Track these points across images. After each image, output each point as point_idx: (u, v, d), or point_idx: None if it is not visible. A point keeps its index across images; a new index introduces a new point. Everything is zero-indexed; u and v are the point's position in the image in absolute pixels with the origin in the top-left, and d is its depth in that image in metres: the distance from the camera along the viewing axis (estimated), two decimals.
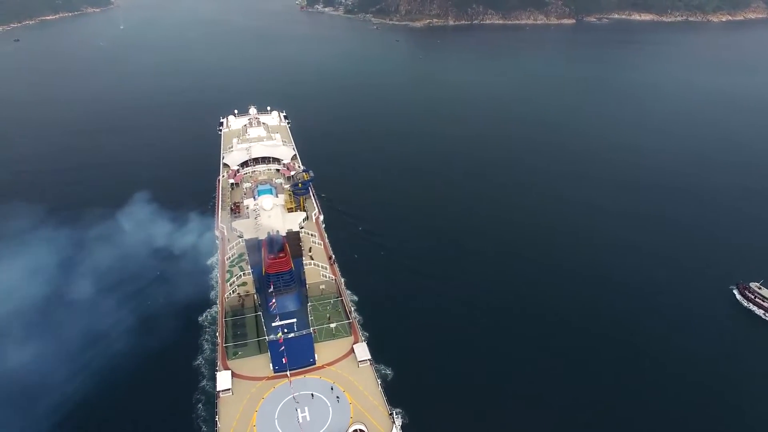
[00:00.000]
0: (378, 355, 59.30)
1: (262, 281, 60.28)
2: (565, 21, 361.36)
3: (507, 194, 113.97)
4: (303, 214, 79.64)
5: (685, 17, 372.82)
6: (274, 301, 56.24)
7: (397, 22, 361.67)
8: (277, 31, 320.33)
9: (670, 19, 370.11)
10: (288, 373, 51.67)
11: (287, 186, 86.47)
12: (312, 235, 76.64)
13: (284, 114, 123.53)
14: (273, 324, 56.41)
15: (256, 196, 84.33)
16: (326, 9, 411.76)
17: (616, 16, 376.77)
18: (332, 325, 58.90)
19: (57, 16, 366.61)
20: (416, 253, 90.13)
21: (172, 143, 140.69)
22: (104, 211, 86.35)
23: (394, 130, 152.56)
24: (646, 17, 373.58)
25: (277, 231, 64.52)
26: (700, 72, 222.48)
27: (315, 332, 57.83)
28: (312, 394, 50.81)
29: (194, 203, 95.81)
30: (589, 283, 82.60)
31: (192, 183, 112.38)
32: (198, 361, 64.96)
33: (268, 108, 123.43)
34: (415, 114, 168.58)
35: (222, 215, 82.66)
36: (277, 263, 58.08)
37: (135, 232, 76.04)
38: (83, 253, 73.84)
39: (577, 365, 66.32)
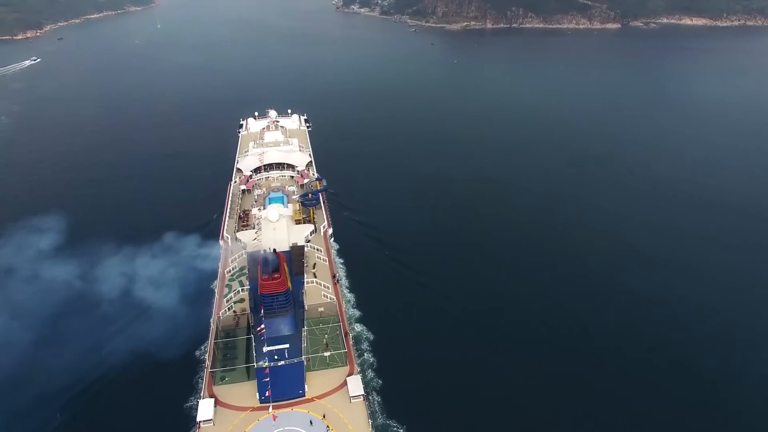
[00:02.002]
0: (380, 391, 55.64)
1: (257, 300, 56.81)
2: (610, 25, 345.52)
3: (548, 210, 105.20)
4: (310, 227, 75.84)
5: (742, 21, 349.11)
6: (262, 326, 52.49)
7: (433, 24, 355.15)
8: (311, 32, 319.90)
9: (725, 24, 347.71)
10: (270, 407, 47.65)
11: (296, 197, 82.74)
12: (318, 250, 72.60)
13: (305, 117, 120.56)
14: (264, 349, 52.77)
15: (267, 205, 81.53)
16: (362, 10, 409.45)
17: (665, 20, 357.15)
18: (326, 354, 54.54)
19: (101, 14, 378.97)
20: (446, 290, 79.71)
21: (194, 145, 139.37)
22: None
23: (421, 139, 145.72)
24: (699, 21, 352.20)
25: (274, 249, 60.81)
26: (764, 83, 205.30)
27: (308, 361, 53.75)
28: None
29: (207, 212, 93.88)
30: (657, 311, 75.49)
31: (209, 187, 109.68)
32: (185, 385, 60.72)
33: (289, 111, 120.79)
34: (447, 123, 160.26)
35: (228, 224, 79.89)
36: (271, 285, 54.41)
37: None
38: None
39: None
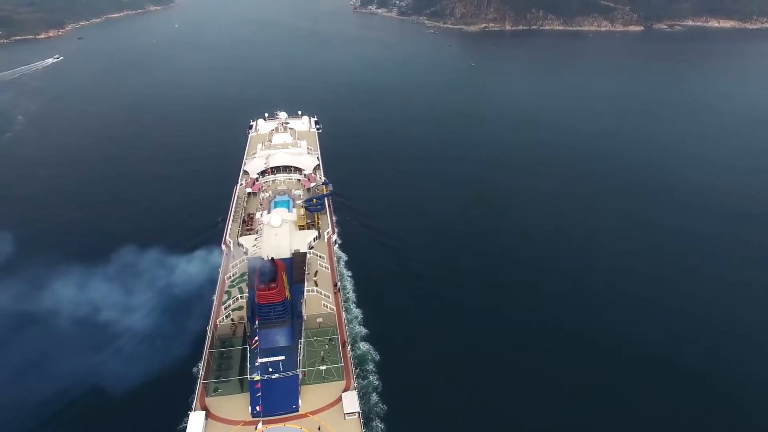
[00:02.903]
0: (384, 418, 53.39)
1: (254, 309, 55.21)
2: (632, 28, 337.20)
3: (569, 225, 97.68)
4: (314, 233, 74.12)
5: None
6: (256, 338, 50.82)
7: (451, 26, 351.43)
8: (328, 33, 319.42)
9: (755, 26, 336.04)
10: (260, 422, 45.86)
11: (300, 201, 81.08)
12: (321, 257, 70.80)
13: (315, 119, 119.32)
14: (259, 360, 51.16)
15: (272, 208, 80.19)
16: (379, 10, 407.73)
17: (691, 23, 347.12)
18: (322, 368, 52.56)
19: (122, 14, 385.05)
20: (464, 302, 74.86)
21: (206, 145, 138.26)
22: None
23: (436, 143, 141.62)
24: (727, 24, 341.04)
25: (272, 258, 59.12)
26: None
27: (304, 375, 51.92)
28: None
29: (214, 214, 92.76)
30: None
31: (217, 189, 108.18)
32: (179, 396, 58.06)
33: (299, 112, 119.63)
34: (463, 126, 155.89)
35: (232, 228, 78.66)
36: (268, 295, 52.73)
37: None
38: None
39: None
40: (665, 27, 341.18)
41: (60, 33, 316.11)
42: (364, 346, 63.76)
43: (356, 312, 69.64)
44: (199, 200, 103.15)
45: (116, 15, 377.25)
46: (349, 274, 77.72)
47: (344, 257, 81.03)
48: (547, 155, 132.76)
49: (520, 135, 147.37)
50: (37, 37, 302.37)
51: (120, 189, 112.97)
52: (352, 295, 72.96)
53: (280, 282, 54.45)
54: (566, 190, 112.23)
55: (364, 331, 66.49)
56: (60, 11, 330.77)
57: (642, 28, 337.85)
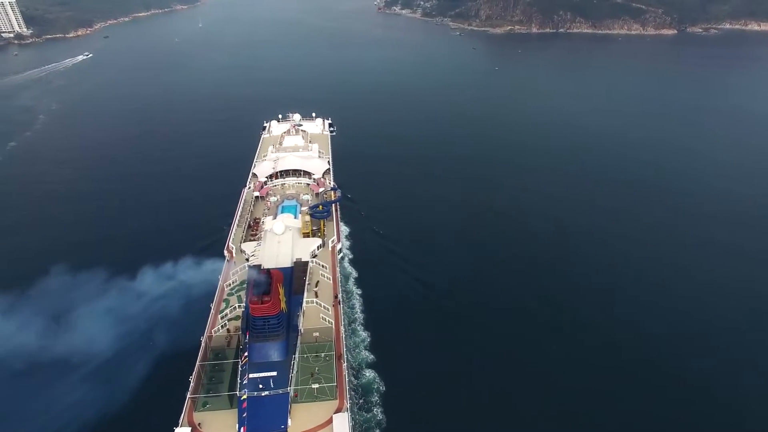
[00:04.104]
0: None
1: (249, 321, 53.07)
2: (665, 32, 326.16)
3: (597, 244, 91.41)
4: (318, 242, 71.46)
5: None
6: (246, 354, 48.59)
7: (476, 28, 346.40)
8: (351, 34, 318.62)
9: None
10: None
11: (305, 208, 78.74)
12: (323, 266, 68.13)
13: (329, 122, 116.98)
14: (249, 375, 48.95)
15: (279, 213, 78.19)
16: (403, 11, 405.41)
17: (728, 26, 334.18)
18: (314, 386, 49.92)
19: (149, 13, 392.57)
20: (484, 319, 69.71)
21: (221, 146, 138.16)
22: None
23: (454, 148, 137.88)
24: None
25: (267, 270, 56.76)
26: None
27: (296, 395, 49.41)
28: None
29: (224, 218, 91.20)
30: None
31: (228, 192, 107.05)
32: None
33: (313, 114, 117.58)
34: (482, 132, 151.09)
35: (236, 233, 76.80)
36: (261, 308, 50.45)
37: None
38: None
39: None
40: (700, 30, 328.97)
41: (88, 32, 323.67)
42: (369, 373, 59.61)
43: (363, 335, 65.56)
44: (210, 201, 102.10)
45: (143, 14, 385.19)
46: (359, 292, 73.94)
47: (354, 273, 77.35)
48: (574, 163, 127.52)
49: (546, 141, 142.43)
50: (67, 36, 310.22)
51: (131, 188, 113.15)
52: (359, 316, 68.90)
53: (275, 294, 52.05)
54: (599, 203, 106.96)
55: (370, 357, 62.10)
56: (90, 10, 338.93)
57: (675, 31, 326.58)
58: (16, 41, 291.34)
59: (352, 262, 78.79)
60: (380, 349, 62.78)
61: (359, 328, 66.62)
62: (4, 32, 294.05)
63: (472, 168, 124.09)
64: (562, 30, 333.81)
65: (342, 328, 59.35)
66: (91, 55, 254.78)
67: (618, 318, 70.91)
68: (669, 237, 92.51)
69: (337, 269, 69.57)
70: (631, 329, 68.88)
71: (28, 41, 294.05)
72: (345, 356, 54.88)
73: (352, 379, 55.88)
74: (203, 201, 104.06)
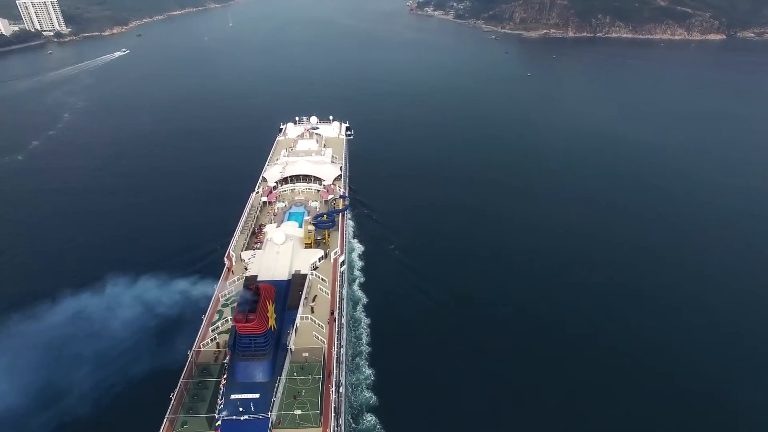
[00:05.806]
0: None
1: (235, 337, 50.20)
2: (712, 36, 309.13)
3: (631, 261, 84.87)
4: (319, 253, 67.81)
5: None
6: (224, 377, 45.67)
7: (509, 31, 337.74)
8: (382, 35, 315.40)
9: None
10: None
11: (308, 217, 75.68)
12: (323, 280, 64.64)
13: (347, 125, 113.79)
14: (231, 396, 46.01)
15: (285, 220, 75.54)
16: (436, 12, 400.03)
17: None
18: (297, 412, 46.51)
19: (183, 11, 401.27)
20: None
21: (239, 148, 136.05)
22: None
23: (473, 157, 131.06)
24: None
25: (255, 286, 53.66)
26: None
27: (279, 422, 46.15)
28: None
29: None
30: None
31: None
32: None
33: (330, 117, 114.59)
34: (510, 142, 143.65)
35: (238, 239, 74.32)
36: (245, 327, 47.43)
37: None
38: None
39: None
40: (752, 35, 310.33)
41: (123, 30, 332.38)
42: (369, 418, 54.44)
43: (367, 372, 59.90)
44: (221, 204, 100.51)
45: (177, 12, 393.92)
46: (367, 321, 68.17)
47: (364, 299, 71.72)
48: (605, 176, 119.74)
49: (576, 152, 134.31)
50: (102, 34, 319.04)
51: (147, 187, 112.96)
52: (365, 349, 63.17)
53: (262, 311, 48.79)
54: (637, 215, 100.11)
55: (373, 398, 56.48)
56: (127, 9, 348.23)
57: (723, 36, 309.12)
58: (55, 39, 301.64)
59: (362, 286, 73.16)
60: (385, 391, 56.31)
61: (364, 363, 60.66)
62: (44, 31, 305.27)
63: (507, 178, 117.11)
64: (600, 34, 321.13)
65: (335, 348, 55.84)
66: (128, 51, 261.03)
67: (639, 328, 66.55)
68: (710, 252, 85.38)
69: (338, 283, 65.92)
70: (652, 343, 64.20)
71: (66, 39, 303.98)
72: (337, 377, 51.31)
73: (350, 420, 51.10)
74: (214, 203, 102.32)
